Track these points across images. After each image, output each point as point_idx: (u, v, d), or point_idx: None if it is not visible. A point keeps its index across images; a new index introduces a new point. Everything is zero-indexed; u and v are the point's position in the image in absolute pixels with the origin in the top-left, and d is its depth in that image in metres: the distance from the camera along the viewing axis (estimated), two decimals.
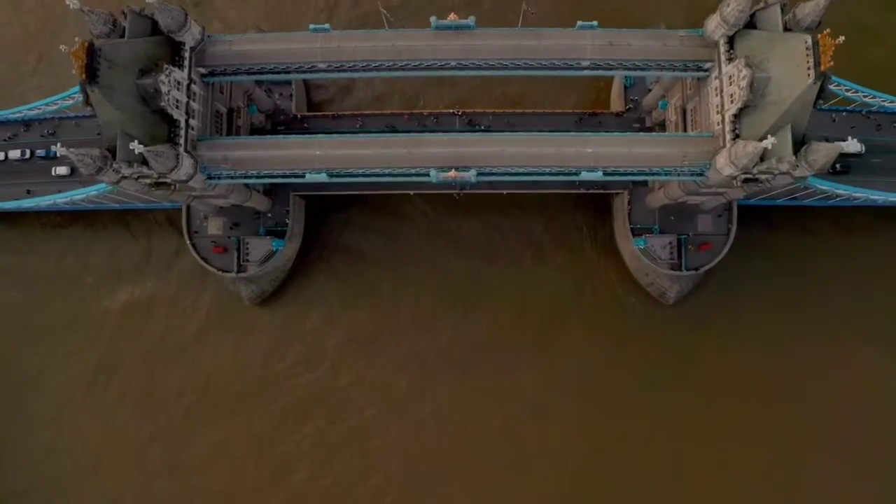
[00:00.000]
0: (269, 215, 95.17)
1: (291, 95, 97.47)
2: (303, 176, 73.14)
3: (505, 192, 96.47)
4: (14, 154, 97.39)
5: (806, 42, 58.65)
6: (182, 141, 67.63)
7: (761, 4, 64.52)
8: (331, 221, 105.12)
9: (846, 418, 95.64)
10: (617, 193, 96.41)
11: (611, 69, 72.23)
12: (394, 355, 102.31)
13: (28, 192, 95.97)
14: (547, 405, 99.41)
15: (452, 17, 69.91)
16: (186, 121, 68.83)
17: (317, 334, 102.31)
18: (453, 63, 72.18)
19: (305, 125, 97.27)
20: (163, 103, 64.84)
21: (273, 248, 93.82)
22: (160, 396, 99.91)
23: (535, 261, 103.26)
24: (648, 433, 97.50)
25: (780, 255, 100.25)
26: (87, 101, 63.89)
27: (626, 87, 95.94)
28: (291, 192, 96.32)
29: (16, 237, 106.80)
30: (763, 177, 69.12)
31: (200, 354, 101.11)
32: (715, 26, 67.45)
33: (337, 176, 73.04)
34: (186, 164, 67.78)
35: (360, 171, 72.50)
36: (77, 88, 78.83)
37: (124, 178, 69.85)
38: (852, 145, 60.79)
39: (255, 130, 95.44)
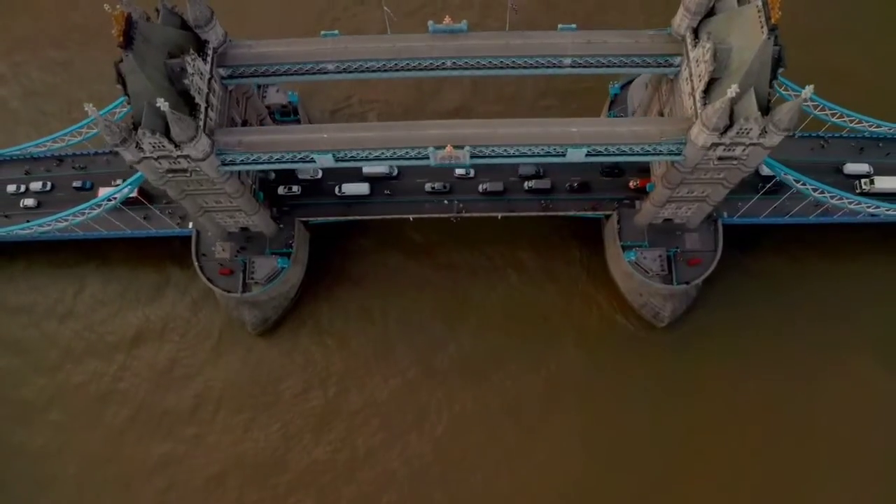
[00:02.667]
0: (279, 228, 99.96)
1: None
2: (312, 160, 78.88)
3: (499, 215, 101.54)
4: (35, 186, 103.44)
5: (757, 5, 66.76)
6: (201, 122, 73.88)
7: None
8: (333, 262, 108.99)
9: (849, 429, 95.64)
10: (607, 216, 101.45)
11: (590, 67, 79.93)
12: (394, 396, 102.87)
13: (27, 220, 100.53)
14: (544, 441, 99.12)
15: (447, 20, 78.74)
16: (206, 107, 75.50)
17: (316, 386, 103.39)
18: (449, 63, 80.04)
19: None
20: (186, 81, 71.71)
21: (278, 265, 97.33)
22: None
23: (528, 289, 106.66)
24: (649, 457, 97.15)
25: (770, 274, 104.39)
26: (119, 79, 70.61)
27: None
28: (297, 218, 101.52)
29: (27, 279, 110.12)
30: (737, 149, 74.95)
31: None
32: (680, 19, 76.06)
33: (342, 160, 78.66)
34: (204, 141, 73.78)
35: (364, 155, 78.07)
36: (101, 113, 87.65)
37: (144, 158, 75.57)
38: (808, 92, 66.34)
39: None
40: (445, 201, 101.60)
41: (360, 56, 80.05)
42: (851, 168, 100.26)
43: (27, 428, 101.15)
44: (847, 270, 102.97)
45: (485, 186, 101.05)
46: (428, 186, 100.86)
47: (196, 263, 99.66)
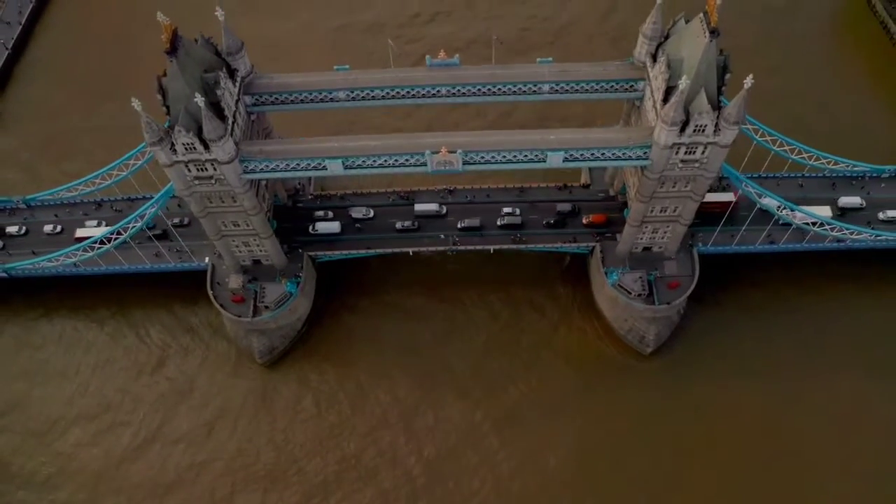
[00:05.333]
0: (289, 260, 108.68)
1: (310, 179, 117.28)
2: (324, 168, 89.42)
3: (492, 248, 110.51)
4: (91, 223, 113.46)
5: (700, 17, 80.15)
6: (229, 127, 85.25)
7: (671, 23, 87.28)
8: (337, 301, 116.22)
9: (836, 443, 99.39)
10: (591, 248, 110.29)
11: (566, 92, 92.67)
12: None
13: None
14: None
15: (442, 55, 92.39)
16: (233, 121, 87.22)
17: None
18: (444, 91, 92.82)
19: (319, 202, 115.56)
20: (219, 92, 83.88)
21: (287, 289, 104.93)
22: None
23: (519, 324, 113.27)
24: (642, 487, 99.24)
25: (749, 301, 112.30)
26: (159, 90, 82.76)
27: (590, 168, 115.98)
28: (305, 252, 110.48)
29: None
30: (697, 150, 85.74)
31: None
32: (640, 47, 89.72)
33: (350, 167, 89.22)
34: (230, 144, 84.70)
35: (370, 162, 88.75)
36: (130, 154, 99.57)
37: (176, 162, 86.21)
38: (748, 82, 77.74)
39: (278, 208, 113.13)
40: (441, 235, 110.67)
41: (368, 84, 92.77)
42: (845, 201, 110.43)
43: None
44: (821, 294, 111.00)
45: (463, 223, 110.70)
46: (399, 224, 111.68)
47: (210, 292, 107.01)
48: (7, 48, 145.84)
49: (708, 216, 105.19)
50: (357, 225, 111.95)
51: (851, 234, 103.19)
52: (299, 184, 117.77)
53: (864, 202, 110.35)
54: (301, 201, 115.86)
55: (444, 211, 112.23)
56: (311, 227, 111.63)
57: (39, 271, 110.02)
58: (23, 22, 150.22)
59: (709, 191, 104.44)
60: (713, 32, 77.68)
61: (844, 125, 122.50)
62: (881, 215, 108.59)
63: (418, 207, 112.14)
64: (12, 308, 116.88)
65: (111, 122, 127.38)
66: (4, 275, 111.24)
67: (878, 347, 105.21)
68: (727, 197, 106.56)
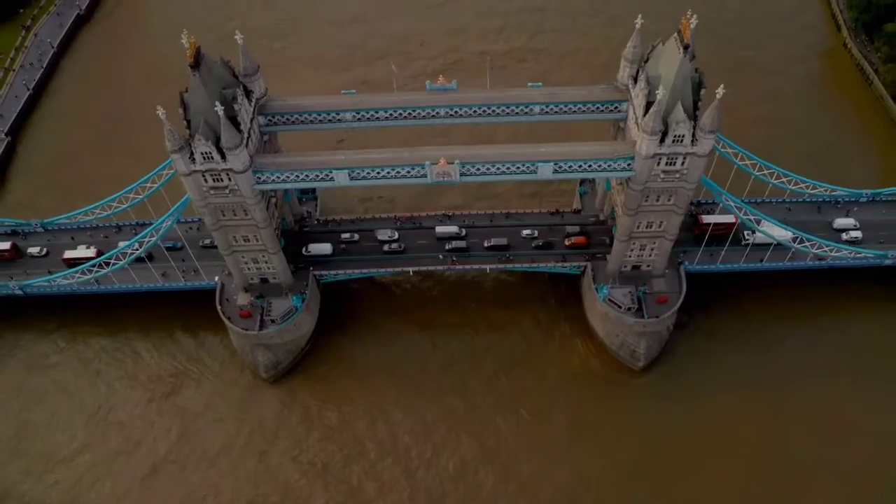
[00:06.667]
0: (295, 278, 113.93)
1: (316, 206, 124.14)
2: (332, 179, 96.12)
3: (488, 268, 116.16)
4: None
5: (675, 37, 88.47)
6: (244, 141, 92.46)
7: (650, 48, 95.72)
8: (338, 330, 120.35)
9: (834, 455, 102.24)
10: (583, 269, 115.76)
11: (555, 113, 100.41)
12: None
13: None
14: None
15: (441, 80, 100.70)
16: (248, 137, 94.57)
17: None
18: (443, 112, 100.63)
19: (328, 226, 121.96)
20: (236, 106, 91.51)
21: (293, 303, 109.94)
22: None
23: (513, 343, 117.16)
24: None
25: (735, 318, 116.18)
26: (181, 104, 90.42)
27: (581, 195, 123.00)
28: (311, 271, 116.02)
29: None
30: (677, 161, 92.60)
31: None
32: (622, 70, 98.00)
33: (355, 178, 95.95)
34: (245, 154, 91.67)
35: (374, 172, 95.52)
36: (147, 177, 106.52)
37: (194, 171, 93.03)
38: (720, 92, 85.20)
39: (286, 232, 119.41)
40: (440, 255, 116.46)
41: (372, 106, 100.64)
42: (840, 223, 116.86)
43: None
44: (806, 309, 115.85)
45: (451, 245, 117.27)
46: (386, 247, 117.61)
47: (219, 307, 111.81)
48: (29, 88, 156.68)
49: (711, 238, 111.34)
50: (343, 246, 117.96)
51: (831, 251, 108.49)
52: (307, 211, 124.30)
53: (857, 223, 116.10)
54: (307, 226, 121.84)
55: (465, 234, 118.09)
56: (304, 249, 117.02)
57: (55, 289, 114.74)
58: (44, 66, 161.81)
59: (693, 214, 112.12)
60: (686, 48, 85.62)
61: (827, 158, 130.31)
62: (844, 236, 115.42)
63: (439, 230, 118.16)
64: (26, 329, 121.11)
65: (124, 167, 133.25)
66: (20, 292, 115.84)
67: (865, 358, 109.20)
68: (728, 219, 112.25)
